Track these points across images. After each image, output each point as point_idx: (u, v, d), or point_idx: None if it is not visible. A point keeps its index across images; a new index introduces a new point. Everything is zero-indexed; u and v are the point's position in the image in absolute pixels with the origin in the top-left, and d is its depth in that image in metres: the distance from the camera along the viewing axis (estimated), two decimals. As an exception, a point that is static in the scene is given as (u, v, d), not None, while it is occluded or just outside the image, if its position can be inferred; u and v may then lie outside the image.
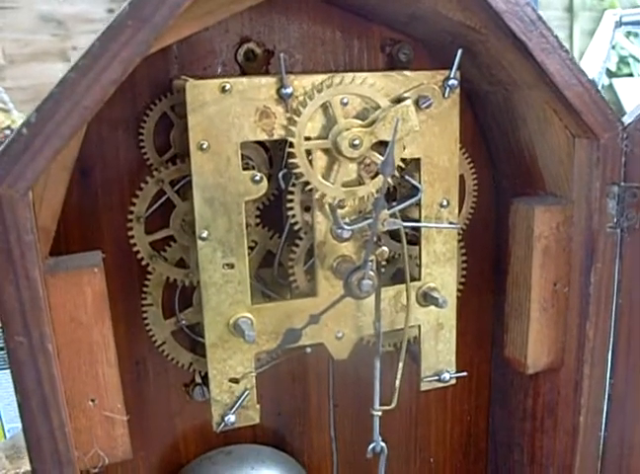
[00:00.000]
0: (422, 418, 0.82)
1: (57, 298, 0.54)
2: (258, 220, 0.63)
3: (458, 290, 0.67)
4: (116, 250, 0.63)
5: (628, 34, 3.11)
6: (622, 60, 3.07)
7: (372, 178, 0.59)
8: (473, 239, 0.73)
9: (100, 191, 0.64)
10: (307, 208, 0.62)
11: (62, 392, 0.54)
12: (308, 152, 0.58)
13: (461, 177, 0.67)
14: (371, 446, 0.64)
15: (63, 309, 0.54)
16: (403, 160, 0.60)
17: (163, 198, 0.62)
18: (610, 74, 2.83)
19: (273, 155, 0.64)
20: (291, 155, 0.57)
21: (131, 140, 0.64)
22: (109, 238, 0.64)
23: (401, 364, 0.63)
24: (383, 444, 0.64)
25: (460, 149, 0.64)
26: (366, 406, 0.76)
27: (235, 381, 0.60)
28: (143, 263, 0.62)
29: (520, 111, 0.68)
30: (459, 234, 0.67)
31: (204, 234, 0.57)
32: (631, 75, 3.03)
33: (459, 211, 0.66)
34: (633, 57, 3.09)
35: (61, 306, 0.54)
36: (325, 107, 0.57)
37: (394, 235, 0.67)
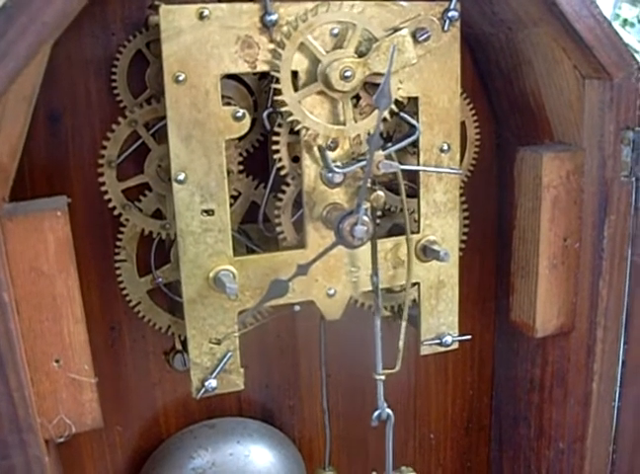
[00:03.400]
0: (421, 392, 0.76)
1: (16, 245, 0.48)
2: (241, 167, 0.58)
3: (460, 249, 0.62)
4: (86, 200, 0.58)
5: (624, 23, 3.07)
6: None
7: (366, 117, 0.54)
8: (475, 194, 0.67)
9: (70, 137, 0.59)
10: (295, 159, 0.56)
11: (22, 350, 0.48)
12: (295, 86, 0.52)
13: (462, 124, 0.62)
14: (377, 413, 0.59)
15: (22, 257, 0.49)
16: (399, 102, 0.55)
17: (137, 143, 0.57)
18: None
19: (257, 98, 0.59)
20: (277, 91, 0.52)
21: (104, 82, 0.58)
22: (78, 187, 0.58)
23: (404, 323, 0.58)
24: (389, 411, 0.59)
25: (461, 94, 0.59)
26: (361, 376, 0.70)
27: (216, 342, 0.55)
28: (116, 213, 0.57)
29: (525, 52, 0.63)
30: (460, 187, 0.61)
31: (181, 177, 0.51)
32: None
33: (460, 161, 0.61)
34: (629, 47, 3.05)
35: (20, 254, 0.48)
36: (314, 36, 0.52)
37: (389, 187, 0.61)
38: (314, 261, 0.52)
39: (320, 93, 0.53)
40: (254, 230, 0.61)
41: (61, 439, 0.52)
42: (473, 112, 0.64)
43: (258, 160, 0.60)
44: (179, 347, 0.64)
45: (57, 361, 0.51)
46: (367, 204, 0.54)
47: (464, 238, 0.65)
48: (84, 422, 0.53)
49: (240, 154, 0.58)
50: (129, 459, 0.67)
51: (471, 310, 0.73)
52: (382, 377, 0.58)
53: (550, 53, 0.60)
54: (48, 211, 0.49)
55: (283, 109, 0.52)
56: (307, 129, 0.53)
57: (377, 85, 0.51)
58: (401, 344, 0.58)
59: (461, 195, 0.61)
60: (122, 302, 0.61)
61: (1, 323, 0.46)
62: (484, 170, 0.69)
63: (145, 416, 0.67)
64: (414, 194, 0.60)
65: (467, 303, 0.70)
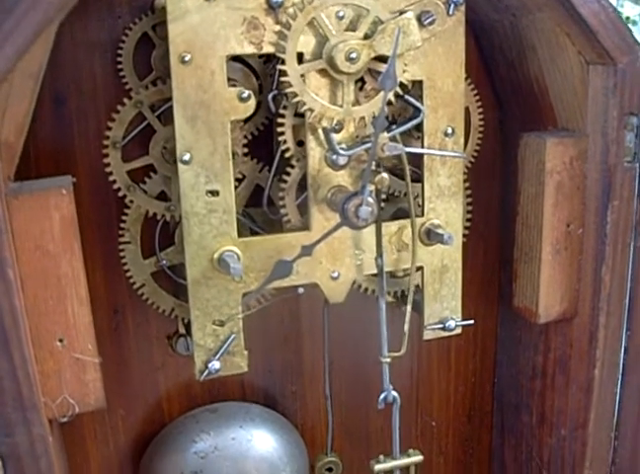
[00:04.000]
0: (423, 379, 0.76)
1: (21, 223, 0.48)
2: (246, 150, 0.58)
3: (463, 235, 0.62)
4: (90, 181, 0.58)
5: (627, 21, 3.08)
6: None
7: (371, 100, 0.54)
8: (478, 180, 0.67)
9: (75, 119, 0.59)
10: (300, 143, 0.56)
11: (26, 328, 0.49)
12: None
13: (466, 110, 0.62)
14: (383, 396, 0.59)
15: (27, 236, 0.49)
16: (403, 85, 0.55)
17: (143, 124, 0.57)
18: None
19: (262, 81, 0.59)
20: (282, 72, 0.52)
21: (109, 64, 0.58)
22: (83, 168, 0.58)
23: (409, 307, 0.58)
24: (395, 394, 0.59)
25: (465, 79, 0.59)
26: (364, 363, 0.71)
27: (220, 324, 0.55)
28: (120, 194, 0.57)
29: (529, 38, 0.63)
30: (464, 173, 0.61)
31: (186, 157, 0.52)
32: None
33: (464, 147, 0.61)
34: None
35: (25, 232, 0.49)
36: (320, 18, 0.52)
37: (394, 172, 0.61)
38: (319, 241, 0.52)
39: (324, 75, 0.53)
40: (258, 213, 0.61)
41: (65, 419, 0.52)
42: (477, 97, 0.64)
43: (262, 143, 0.60)
44: (182, 331, 0.64)
45: (61, 341, 0.51)
46: (372, 187, 0.54)
47: (467, 224, 0.65)
48: (87, 402, 0.53)
49: (245, 137, 0.58)
50: (132, 442, 0.67)
51: (474, 296, 0.73)
52: (388, 360, 0.59)
53: (554, 39, 0.60)
54: (54, 189, 0.49)
55: (284, 78, 0.52)
56: (313, 111, 0.53)
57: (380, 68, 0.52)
58: (406, 327, 0.58)
59: (465, 180, 0.61)
60: (126, 285, 0.61)
61: (6, 300, 0.47)
62: (487, 156, 0.69)
63: (148, 400, 0.67)
64: (418, 178, 0.60)
65: (470, 288, 0.70)
